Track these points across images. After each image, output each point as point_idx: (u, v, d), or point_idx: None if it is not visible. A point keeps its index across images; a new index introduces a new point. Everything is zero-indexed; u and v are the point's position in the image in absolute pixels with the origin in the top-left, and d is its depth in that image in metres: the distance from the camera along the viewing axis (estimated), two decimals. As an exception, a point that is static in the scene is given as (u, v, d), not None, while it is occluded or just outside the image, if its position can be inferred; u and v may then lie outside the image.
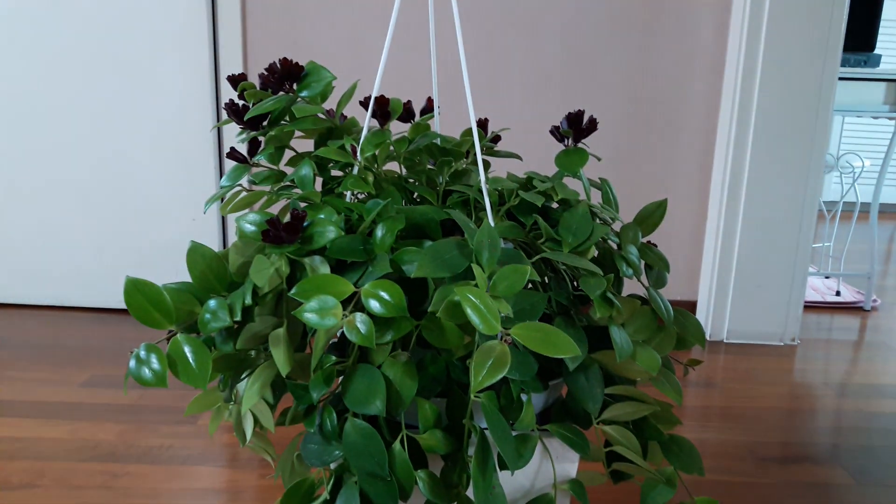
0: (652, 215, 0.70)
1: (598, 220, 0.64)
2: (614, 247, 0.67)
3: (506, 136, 1.79)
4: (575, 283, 0.65)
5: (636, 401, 0.62)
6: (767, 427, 1.38)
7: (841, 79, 2.02)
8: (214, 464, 1.17)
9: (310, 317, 0.51)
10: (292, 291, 0.53)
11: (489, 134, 0.74)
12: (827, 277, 2.39)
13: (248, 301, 0.54)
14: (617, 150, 1.83)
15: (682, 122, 1.81)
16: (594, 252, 0.62)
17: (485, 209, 0.63)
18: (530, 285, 0.61)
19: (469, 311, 0.50)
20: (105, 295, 1.88)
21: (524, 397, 0.58)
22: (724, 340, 1.84)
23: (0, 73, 1.72)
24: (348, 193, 0.62)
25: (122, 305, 1.89)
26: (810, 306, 2.14)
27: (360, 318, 0.52)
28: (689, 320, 0.68)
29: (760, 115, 1.73)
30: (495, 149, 0.74)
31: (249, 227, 0.57)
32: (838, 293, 2.21)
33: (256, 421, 0.68)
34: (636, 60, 1.78)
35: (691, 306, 1.90)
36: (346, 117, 0.73)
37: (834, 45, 1.72)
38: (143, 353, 0.55)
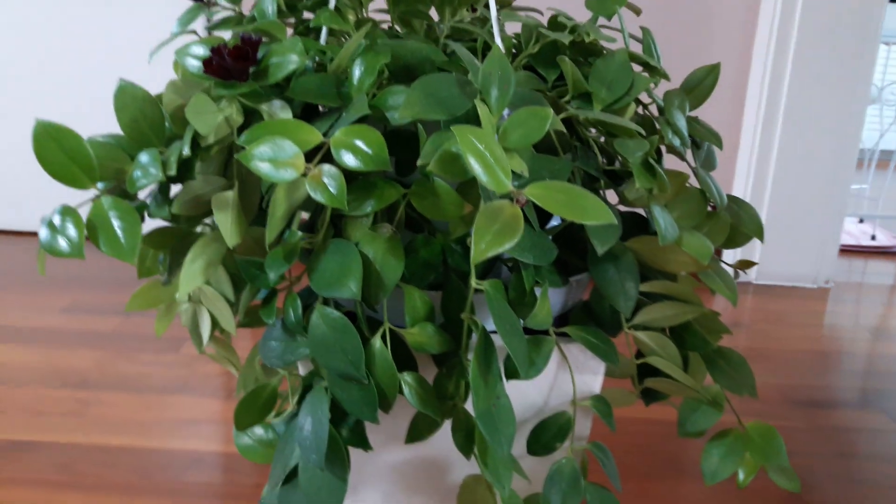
0: (701, 84, 0.57)
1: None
2: (655, 112, 0.54)
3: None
4: (605, 160, 0.52)
5: (678, 301, 0.50)
6: (799, 370, 1.27)
7: (891, 0, 1.84)
8: (194, 394, 1.06)
9: (261, 166, 0.38)
10: (241, 138, 0.40)
11: (503, -13, 0.61)
12: (860, 221, 2.24)
13: (187, 152, 0.42)
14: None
15: (713, 45, 1.66)
16: (633, 114, 0.49)
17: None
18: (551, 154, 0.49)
19: (471, 159, 0.37)
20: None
21: (538, 291, 0.46)
22: (753, 281, 1.71)
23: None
24: (324, 33, 0.49)
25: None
26: (843, 250, 2.00)
27: (328, 170, 0.39)
28: (745, 208, 0.55)
29: (801, 38, 1.56)
30: (512, 6, 0.61)
31: (193, 63, 0.44)
32: (874, 237, 2.07)
33: (216, 323, 0.56)
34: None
35: (717, 246, 1.77)
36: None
37: (887, -41, 1.54)
38: (56, 220, 0.44)
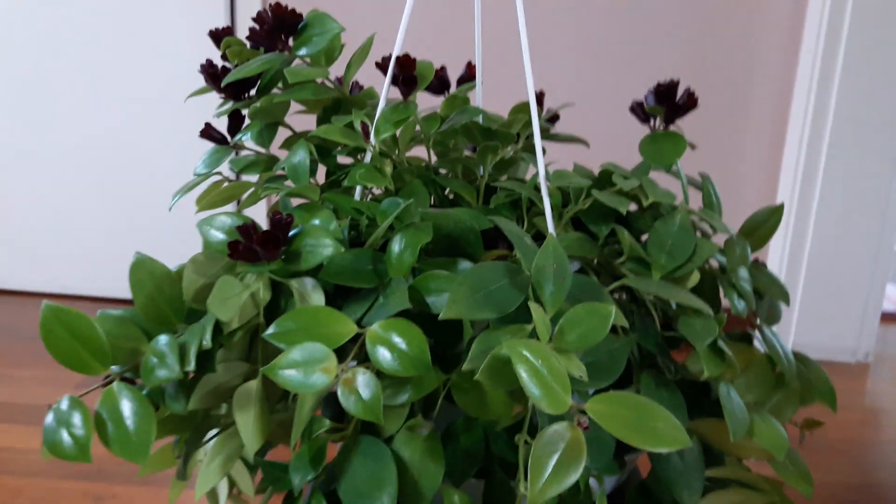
0: (763, 226, 0.53)
1: (699, 233, 0.47)
2: (714, 265, 0.49)
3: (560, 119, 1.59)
4: (662, 317, 0.48)
5: (745, 486, 0.45)
6: (843, 464, 1.19)
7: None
8: (210, 488, 1.02)
9: (289, 375, 0.34)
10: (268, 332, 0.36)
11: (545, 111, 0.57)
12: (899, 284, 2.16)
13: (208, 342, 0.38)
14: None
15: (749, 104, 1.61)
16: (696, 279, 0.44)
17: (542, 213, 0.46)
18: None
19: (525, 376, 0.33)
20: (113, 283, 1.75)
21: (595, 486, 0.41)
22: (789, 355, 1.64)
23: None
24: (358, 189, 0.45)
25: (130, 295, 1.76)
26: (883, 316, 1.92)
27: (362, 377, 0.35)
28: (813, 370, 0.50)
29: (841, 96, 1.51)
30: (552, 131, 0.57)
31: (217, 235, 0.41)
32: (914, 302, 1.98)
33: (233, 484, 0.52)
34: (700, 29, 1.58)
35: (751, 314, 1.70)
36: (361, 87, 0.56)
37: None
38: (64, 408, 0.40)
